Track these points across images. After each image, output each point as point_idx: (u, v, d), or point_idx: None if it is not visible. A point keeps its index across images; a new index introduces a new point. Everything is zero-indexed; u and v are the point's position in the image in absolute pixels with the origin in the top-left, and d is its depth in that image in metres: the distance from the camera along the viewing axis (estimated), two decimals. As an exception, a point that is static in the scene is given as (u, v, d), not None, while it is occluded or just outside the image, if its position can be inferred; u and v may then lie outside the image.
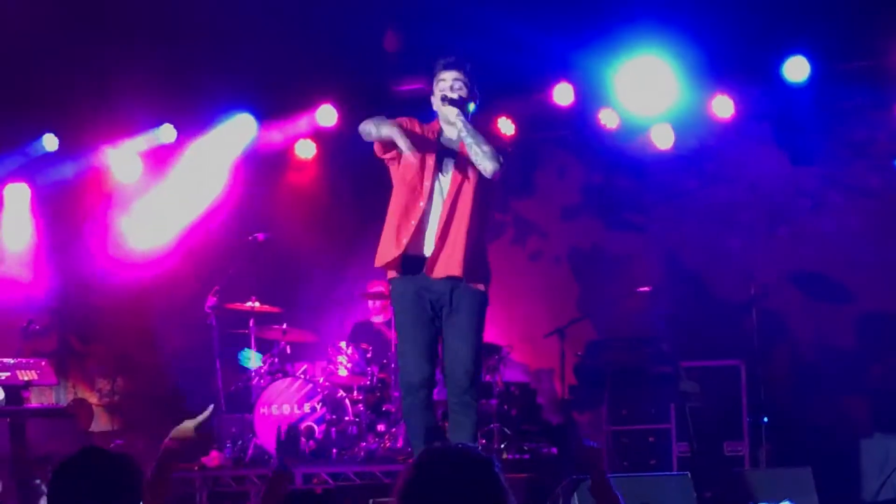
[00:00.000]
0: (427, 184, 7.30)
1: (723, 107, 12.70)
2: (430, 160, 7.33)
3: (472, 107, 7.45)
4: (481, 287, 7.36)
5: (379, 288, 12.05)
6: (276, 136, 14.12)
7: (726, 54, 12.11)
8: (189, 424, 5.44)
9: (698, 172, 13.39)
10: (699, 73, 12.36)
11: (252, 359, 12.24)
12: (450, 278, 7.25)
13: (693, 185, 13.45)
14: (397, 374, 11.65)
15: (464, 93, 7.35)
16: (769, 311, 12.08)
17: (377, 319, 12.80)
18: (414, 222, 7.30)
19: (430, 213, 7.34)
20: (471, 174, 7.28)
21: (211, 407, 5.65)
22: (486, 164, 7.17)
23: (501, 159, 7.19)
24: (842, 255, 12.65)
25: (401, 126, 7.20)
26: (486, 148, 7.16)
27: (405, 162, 7.33)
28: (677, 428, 11.26)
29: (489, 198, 7.43)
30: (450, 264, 7.24)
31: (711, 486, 9.61)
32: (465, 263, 7.23)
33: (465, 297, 7.31)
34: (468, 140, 7.21)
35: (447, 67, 7.38)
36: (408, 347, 7.40)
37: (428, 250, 7.30)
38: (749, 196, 13.19)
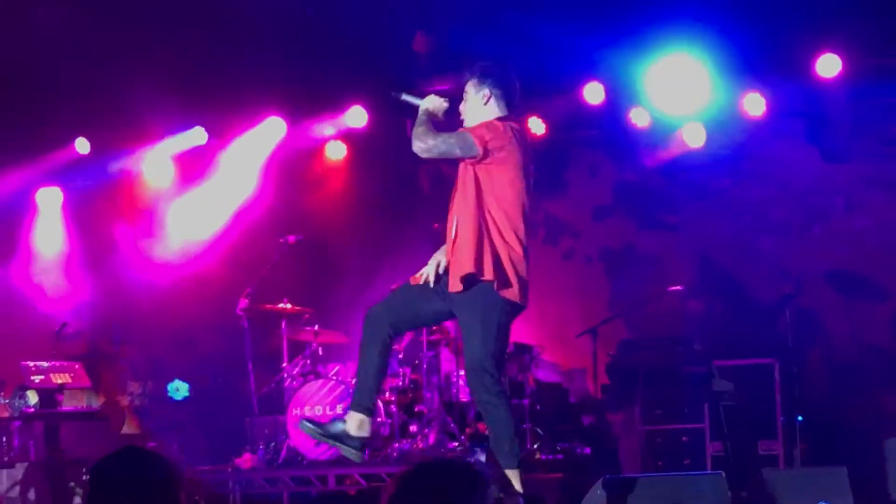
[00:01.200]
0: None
1: (755, 104, 12.64)
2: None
3: (474, 107, 7.37)
4: (486, 281, 7.07)
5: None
6: (306, 137, 14.14)
7: (758, 51, 12.07)
8: None
9: (730, 171, 13.34)
10: (730, 70, 12.31)
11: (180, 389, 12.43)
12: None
13: (725, 184, 13.41)
14: (429, 375, 11.69)
15: (465, 97, 7.37)
16: (803, 310, 12.01)
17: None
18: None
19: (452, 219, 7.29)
20: (462, 172, 7.20)
21: None
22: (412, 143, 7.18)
23: (422, 141, 7.04)
24: (876, 253, 12.59)
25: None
26: (416, 130, 7.12)
27: None
28: (711, 427, 11.19)
29: (488, 188, 7.13)
30: (455, 270, 7.12)
31: (746, 486, 9.56)
32: (469, 265, 7.07)
33: (469, 293, 7.10)
34: None
35: None
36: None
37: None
38: (782, 194, 13.15)
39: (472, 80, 7.36)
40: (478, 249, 7.05)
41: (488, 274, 7.03)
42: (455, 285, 7.07)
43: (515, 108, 7.44)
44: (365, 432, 7.23)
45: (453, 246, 7.14)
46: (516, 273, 7.10)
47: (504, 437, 7.05)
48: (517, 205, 7.16)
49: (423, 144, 7.04)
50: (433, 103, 7.28)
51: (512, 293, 7.09)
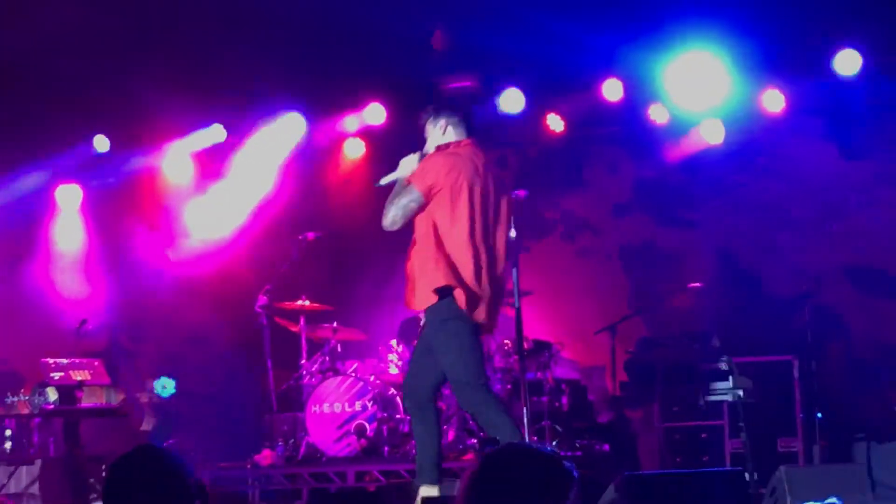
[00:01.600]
0: None
1: (773, 101, 12.63)
2: None
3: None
4: (437, 300, 7.63)
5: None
6: (325, 135, 14.15)
7: (777, 48, 12.05)
8: None
9: (749, 168, 13.32)
10: (749, 67, 12.29)
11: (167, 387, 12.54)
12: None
13: (744, 181, 13.39)
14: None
15: (426, 136, 7.99)
16: (822, 306, 11.98)
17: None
18: None
19: None
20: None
21: None
22: None
23: (385, 217, 7.85)
24: (894, 250, 12.55)
25: None
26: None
27: None
28: (730, 424, 11.19)
29: (439, 216, 7.72)
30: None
31: (765, 483, 9.55)
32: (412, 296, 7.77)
33: (428, 314, 7.74)
34: None
35: None
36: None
37: None
38: (800, 191, 13.12)
39: (428, 120, 7.94)
40: (423, 269, 7.77)
41: (437, 284, 7.64)
42: (409, 302, 7.81)
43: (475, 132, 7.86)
44: (436, 492, 7.68)
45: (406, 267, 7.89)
46: (463, 287, 7.61)
47: (502, 440, 7.35)
48: (467, 226, 7.66)
49: (386, 221, 7.84)
50: (409, 167, 7.85)
51: (459, 304, 7.61)
